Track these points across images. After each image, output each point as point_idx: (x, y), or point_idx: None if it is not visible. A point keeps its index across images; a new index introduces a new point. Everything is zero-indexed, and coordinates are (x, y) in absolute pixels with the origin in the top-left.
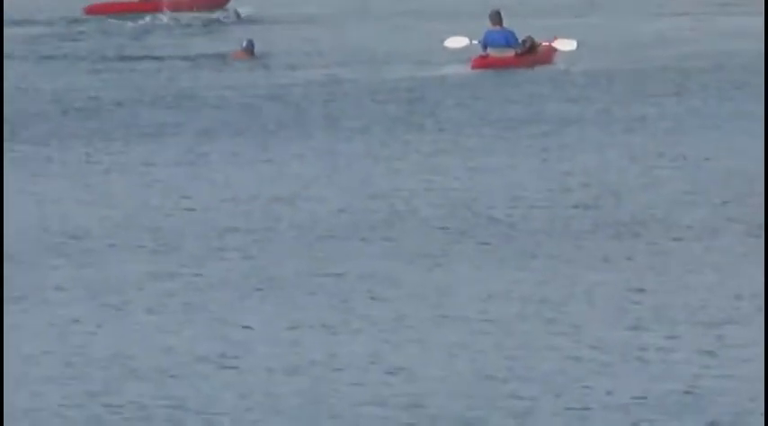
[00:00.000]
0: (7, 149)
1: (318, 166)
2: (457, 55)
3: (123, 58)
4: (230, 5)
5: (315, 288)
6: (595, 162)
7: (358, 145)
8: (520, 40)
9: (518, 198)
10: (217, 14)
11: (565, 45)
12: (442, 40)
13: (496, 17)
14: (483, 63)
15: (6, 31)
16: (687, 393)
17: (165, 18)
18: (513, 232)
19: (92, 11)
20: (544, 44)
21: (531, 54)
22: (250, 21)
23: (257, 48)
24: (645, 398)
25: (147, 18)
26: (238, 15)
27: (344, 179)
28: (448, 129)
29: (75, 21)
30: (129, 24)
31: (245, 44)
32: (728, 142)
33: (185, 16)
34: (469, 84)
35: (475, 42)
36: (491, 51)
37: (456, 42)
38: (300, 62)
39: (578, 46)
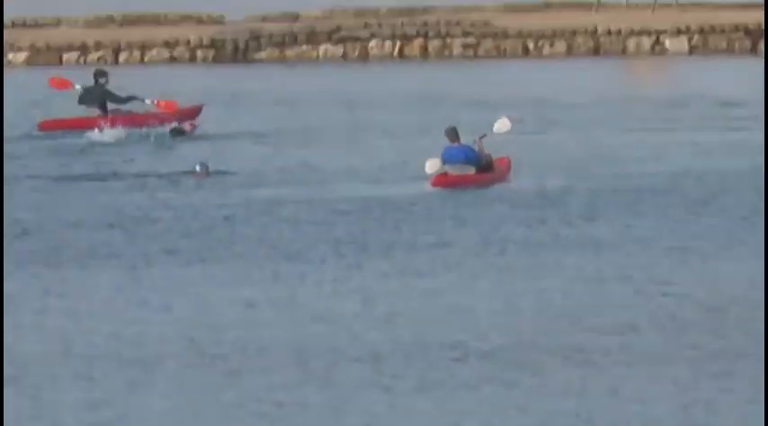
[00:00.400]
0: None
1: (261, 291)
2: (413, 173)
3: (69, 177)
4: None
5: (252, 421)
6: (547, 285)
7: (302, 267)
8: (476, 150)
9: (467, 322)
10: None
11: (502, 127)
12: (421, 164)
13: (453, 133)
14: (443, 181)
15: None
16: None
17: (116, 134)
18: (463, 357)
19: (45, 126)
20: (498, 157)
21: (490, 171)
22: (202, 138)
23: (211, 168)
24: None
25: (100, 134)
26: (181, 132)
27: (287, 303)
28: (396, 252)
29: (28, 137)
30: (80, 141)
31: (198, 168)
32: (683, 266)
33: (136, 132)
34: (422, 204)
35: (446, 169)
36: (449, 168)
37: (434, 166)
38: (250, 181)
39: (512, 126)
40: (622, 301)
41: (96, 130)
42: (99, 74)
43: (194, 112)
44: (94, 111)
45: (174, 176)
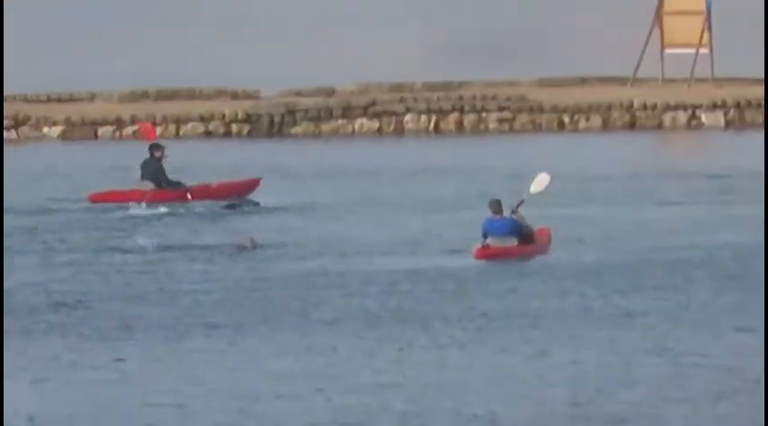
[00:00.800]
0: None
1: (294, 362)
2: (450, 246)
3: (111, 249)
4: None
5: None
6: (582, 357)
7: (335, 339)
8: (518, 222)
9: (500, 394)
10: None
11: (540, 184)
12: (458, 236)
13: (497, 206)
14: (485, 254)
15: (10, 220)
16: None
17: (164, 208)
18: None
19: (95, 199)
20: (538, 230)
21: (531, 242)
22: (243, 212)
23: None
24: None
25: (148, 208)
26: (253, 203)
27: (320, 375)
28: (432, 324)
29: (79, 210)
30: (128, 213)
31: (245, 241)
32: (718, 338)
33: (186, 206)
34: (460, 276)
35: (488, 241)
36: (492, 241)
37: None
38: (287, 254)
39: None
40: (653, 372)
41: (145, 203)
42: (154, 147)
43: (253, 185)
44: (148, 185)
45: (217, 249)
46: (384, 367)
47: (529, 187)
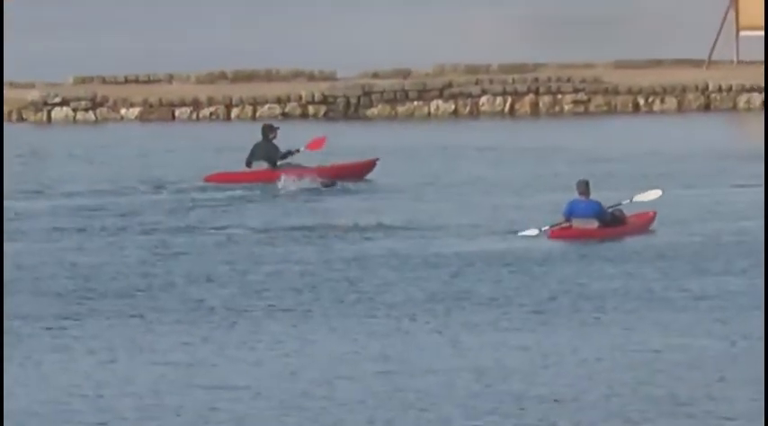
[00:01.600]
0: (61, 326)
1: (355, 344)
2: (527, 227)
3: (212, 230)
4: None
5: None
6: (644, 339)
7: (399, 322)
8: (607, 211)
9: (562, 377)
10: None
11: (647, 196)
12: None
13: (584, 187)
14: (560, 234)
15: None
16: None
17: (274, 188)
18: (557, 410)
19: (211, 180)
20: (630, 215)
21: (616, 225)
22: (336, 192)
23: (364, 221)
24: None
25: (264, 188)
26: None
27: (381, 358)
28: (487, 305)
29: (194, 189)
30: (227, 195)
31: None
32: None
33: (297, 184)
34: (527, 259)
35: (545, 228)
36: (574, 222)
37: (530, 232)
38: (366, 234)
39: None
40: (722, 356)
41: (262, 184)
42: (268, 129)
43: (369, 166)
44: (262, 165)
45: (293, 231)
46: (448, 349)
47: (633, 195)
